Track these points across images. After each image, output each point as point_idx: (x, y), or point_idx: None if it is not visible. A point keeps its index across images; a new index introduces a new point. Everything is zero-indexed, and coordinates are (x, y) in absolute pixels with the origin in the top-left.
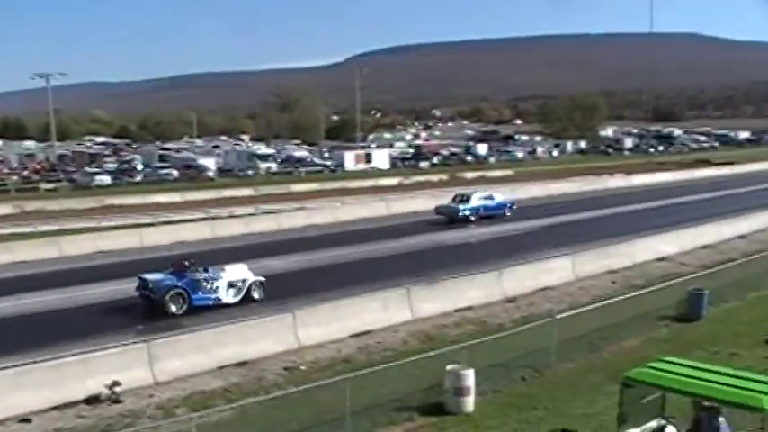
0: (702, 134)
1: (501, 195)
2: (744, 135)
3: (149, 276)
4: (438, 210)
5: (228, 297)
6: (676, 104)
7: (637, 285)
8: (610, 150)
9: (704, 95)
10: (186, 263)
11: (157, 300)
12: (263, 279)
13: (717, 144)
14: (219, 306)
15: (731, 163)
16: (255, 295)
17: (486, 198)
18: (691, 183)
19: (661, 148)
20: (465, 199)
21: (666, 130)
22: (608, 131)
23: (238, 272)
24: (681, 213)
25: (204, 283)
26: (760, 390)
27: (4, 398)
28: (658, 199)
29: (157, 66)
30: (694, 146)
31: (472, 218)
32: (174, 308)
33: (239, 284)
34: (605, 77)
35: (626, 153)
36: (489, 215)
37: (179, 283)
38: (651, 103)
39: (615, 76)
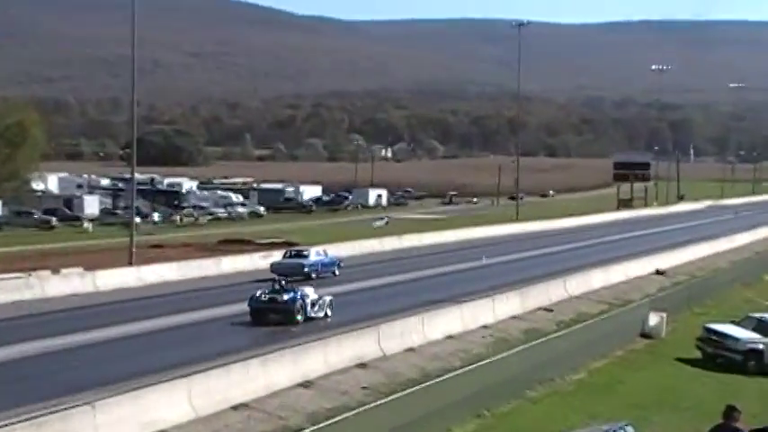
0: (236, 188)
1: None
2: (311, 192)
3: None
4: (276, 267)
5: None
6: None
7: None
8: (54, 221)
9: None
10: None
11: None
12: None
13: (261, 208)
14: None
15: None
16: (329, 312)
17: (321, 254)
18: None
19: (157, 216)
20: (303, 254)
21: (168, 180)
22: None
23: (313, 291)
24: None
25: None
26: None
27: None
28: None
29: None
30: (221, 212)
31: (313, 275)
32: (300, 317)
33: (320, 302)
34: None
35: (87, 225)
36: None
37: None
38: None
39: None
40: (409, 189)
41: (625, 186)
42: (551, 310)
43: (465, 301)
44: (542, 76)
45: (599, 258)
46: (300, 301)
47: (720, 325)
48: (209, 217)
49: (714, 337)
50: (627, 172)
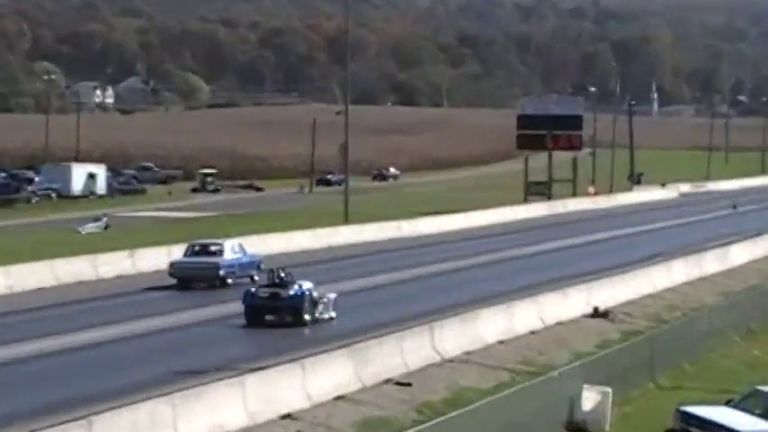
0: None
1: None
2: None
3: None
4: (176, 268)
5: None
6: None
7: None
8: None
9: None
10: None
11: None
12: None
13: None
14: None
15: None
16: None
17: (238, 250)
18: None
19: None
20: (214, 250)
21: None
22: None
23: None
24: None
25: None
26: None
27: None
28: None
29: None
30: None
31: (229, 280)
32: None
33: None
34: None
35: None
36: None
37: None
38: None
39: None
40: (149, 165)
41: (539, 159)
42: (408, 385)
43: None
44: None
45: (493, 291)
46: (309, 297)
47: (706, 408)
48: None
49: (696, 429)
50: (541, 133)
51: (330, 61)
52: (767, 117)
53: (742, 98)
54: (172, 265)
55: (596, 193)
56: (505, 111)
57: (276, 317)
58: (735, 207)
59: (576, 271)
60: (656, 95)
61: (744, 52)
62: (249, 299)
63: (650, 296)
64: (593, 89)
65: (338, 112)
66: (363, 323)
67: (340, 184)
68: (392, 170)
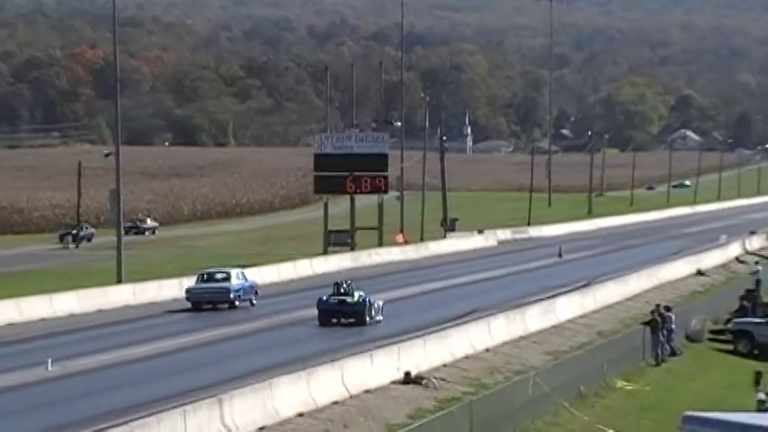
0: None
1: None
2: None
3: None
4: (192, 293)
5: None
6: None
7: None
8: None
9: None
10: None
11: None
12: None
13: None
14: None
15: None
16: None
17: (242, 277)
18: None
19: None
20: (223, 277)
21: None
22: None
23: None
24: None
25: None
26: None
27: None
28: None
29: None
30: None
31: (237, 303)
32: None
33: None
34: None
35: None
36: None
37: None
38: None
39: None
40: None
41: (340, 204)
42: None
43: None
44: None
45: (287, 358)
46: (368, 303)
47: None
48: None
49: None
50: (342, 175)
51: (96, 96)
52: (591, 153)
53: (565, 132)
54: (188, 290)
55: (405, 242)
56: (301, 149)
57: (344, 318)
58: (560, 255)
59: (384, 331)
60: (470, 130)
61: (566, 80)
62: (323, 304)
63: (468, 358)
64: (399, 123)
65: (107, 155)
66: (150, 393)
67: (90, 240)
68: (149, 222)
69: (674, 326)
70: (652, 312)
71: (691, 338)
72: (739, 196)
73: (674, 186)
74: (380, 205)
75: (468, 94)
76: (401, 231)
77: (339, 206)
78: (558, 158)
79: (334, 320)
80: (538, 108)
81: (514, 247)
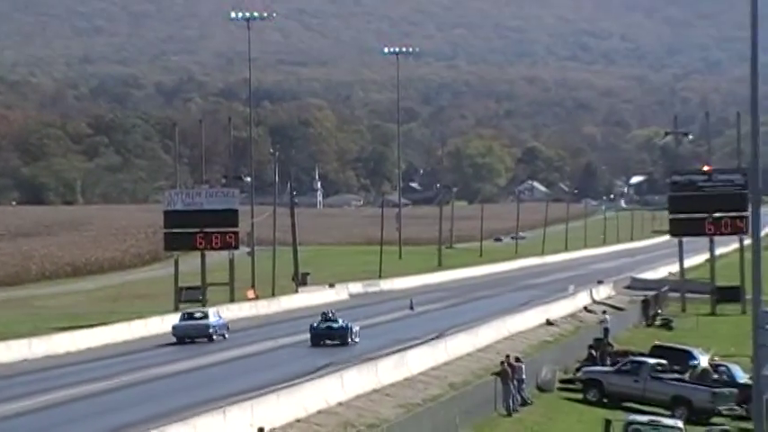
0: None
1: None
2: None
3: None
4: (177, 329)
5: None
6: None
7: None
8: None
9: None
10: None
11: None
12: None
13: None
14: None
15: None
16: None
17: (218, 316)
18: None
19: None
20: (202, 316)
21: None
22: None
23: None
24: None
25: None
26: None
27: None
28: None
29: None
30: None
31: (214, 337)
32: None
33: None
34: None
35: None
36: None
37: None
38: None
39: None
40: None
41: (191, 261)
42: None
43: None
44: None
45: (139, 417)
46: (350, 328)
47: None
48: None
49: None
50: (192, 231)
51: None
52: (440, 205)
53: (414, 185)
54: (174, 327)
55: (257, 297)
56: (150, 206)
57: (331, 340)
58: (411, 308)
59: (238, 388)
60: (320, 184)
61: (414, 134)
62: (314, 329)
63: (321, 412)
64: (249, 179)
65: None
66: None
67: None
68: None
69: (524, 376)
70: (502, 363)
71: (541, 388)
72: (586, 246)
73: (498, 240)
74: (231, 261)
75: (317, 149)
76: (252, 287)
77: (190, 263)
78: (407, 211)
79: (323, 342)
80: (387, 162)
81: (366, 300)
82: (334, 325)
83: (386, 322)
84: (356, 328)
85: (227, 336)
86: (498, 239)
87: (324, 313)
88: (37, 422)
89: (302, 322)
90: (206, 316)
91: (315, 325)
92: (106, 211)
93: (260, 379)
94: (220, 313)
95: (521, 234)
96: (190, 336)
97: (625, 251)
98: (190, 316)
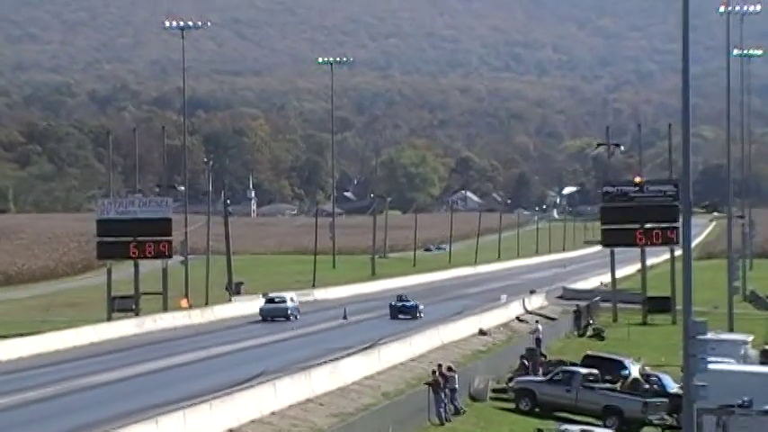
0: None
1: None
2: None
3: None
4: (265, 310)
5: None
6: None
7: None
8: None
9: None
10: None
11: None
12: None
13: None
14: None
15: None
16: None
17: (294, 299)
18: None
19: None
20: (282, 300)
21: None
22: None
23: None
24: None
25: None
26: None
27: None
28: None
29: None
30: None
31: (291, 317)
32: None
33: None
34: None
35: None
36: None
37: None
38: None
39: None
40: None
41: (124, 270)
42: None
43: None
44: None
45: (66, 428)
46: (417, 306)
47: None
48: None
49: None
50: (126, 240)
51: None
52: (374, 215)
53: (348, 194)
54: (261, 309)
55: (190, 306)
56: (83, 215)
57: (404, 315)
58: (345, 317)
59: (171, 397)
60: (254, 193)
61: (348, 143)
62: (392, 306)
63: (255, 422)
64: (182, 188)
65: None
66: None
67: None
68: None
69: (457, 385)
70: (433, 372)
71: (474, 397)
72: (519, 256)
73: (428, 249)
74: (165, 270)
75: (251, 158)
76: (186, 296)
77: (123, 271)
78: (341, 221)
79: (400, 316)
80: (321, 171)
81: (300, 309)
82: (407, 304)
83: (319, 331)
84: (421, 307)
85: (298, 316)
86: (428, 249)
87: (399, 296)
88: None
89: (236, 331)
90: (284, 301)
91: (393, 304)
92: (38, 219)
93: (192, 388)
94: (294, 299)
95: (441, 245)
96: (273, 315)
97: (557, 261)
98: (272, 301)
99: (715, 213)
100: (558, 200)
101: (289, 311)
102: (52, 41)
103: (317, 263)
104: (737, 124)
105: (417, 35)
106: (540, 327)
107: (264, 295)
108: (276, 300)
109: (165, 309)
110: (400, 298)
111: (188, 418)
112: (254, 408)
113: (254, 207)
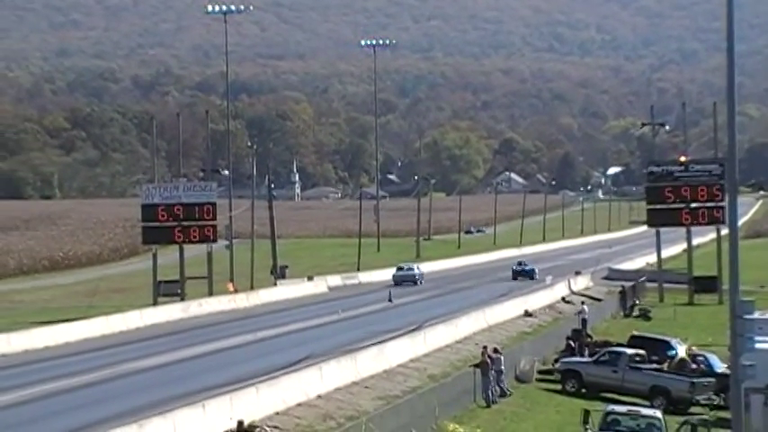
0: None
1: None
2: None
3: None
4: (397, 276)
5: None
6: None
7: None
8: None
9: None
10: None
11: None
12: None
13: None
14: None
15: None
16: None
17: (420, 269)
18: None
19: None
20: (411, 268)
21: None
22: None
23: None
24: None
25: None
26: None
27: None
28: None
29: None
30: None
31: (418, 282)
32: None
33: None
34: None
35: None
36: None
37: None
38: None
39: None
40: None
41: (169, 255)
42: None
43: None
44: None
45: (113, 412)
46: (535, 270)
47: None
48: None
49: None
50: (170, 225)
51: None
52: (418, 197)
53: (392, 177)
54: (394, 276)
55: (236, 291)
56: (128, 200)
57: (522, 277)
58: (390, 300)
59: (217, 381)
60: (297, 177)
61: (391, 126)
62: (514, 270)
63: (301, 405)
64: (226, 172)
65: None
66: None
67: None
68: None
69: (503, 367)
70: (482, 354)
71: (520, 379)
72: (563, 237)
73: (469, 232)
74: (210, 254)
75: (294, 142)
76: (231, 280)
77: (168, 256)
78: (385, 203)
79: (518, 278)
80: (364, 154)
81: (345, 292)
82: (526, 268)
83: (365, 314)
84: (537, 270)
85: (422, 282)
86: (469, 231)
87: (519, 261)
88: (16, 416)
89: (281, 315)
90: (412, 269)
91: (514, 267)
92: (84, 205)
93: (238, 372)
94: (419, 268)
95: (482, 228)
96: (404, 280)
97: (603, 242)
98: (401, 269)
99: (761, 192)
100: (603, 180)
101: (416, 277)
102: (95, 27)
103: (361, 246)
104: None
105: (460, 17)
106: (585, 308)
107: (310, 279)
108: (405, 268)
109: (211, 293)
110: (520, 263)
111: (234, 401)
112: (300, 391)
113: (298, 191)
